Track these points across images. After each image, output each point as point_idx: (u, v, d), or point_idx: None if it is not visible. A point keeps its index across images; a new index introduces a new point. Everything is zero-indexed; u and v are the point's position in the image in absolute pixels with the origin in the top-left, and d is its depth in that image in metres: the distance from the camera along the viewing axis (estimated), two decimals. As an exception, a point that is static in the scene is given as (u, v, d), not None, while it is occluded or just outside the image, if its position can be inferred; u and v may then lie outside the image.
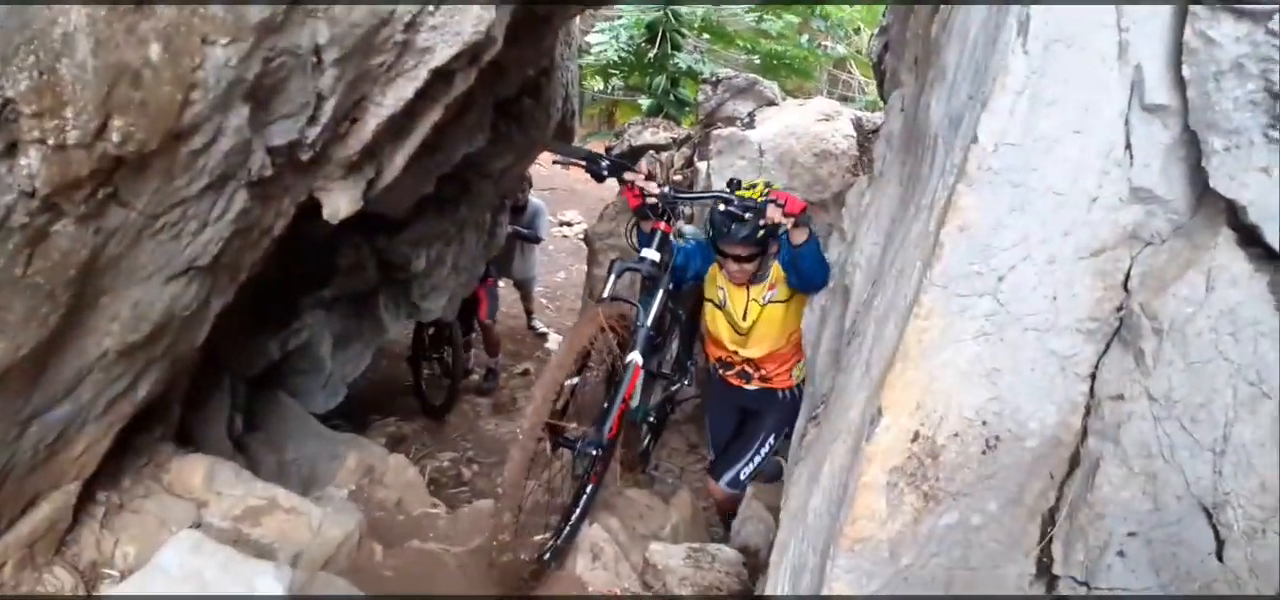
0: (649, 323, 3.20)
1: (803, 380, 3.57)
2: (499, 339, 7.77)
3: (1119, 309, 1.79)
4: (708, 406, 4.35)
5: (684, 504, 3.79)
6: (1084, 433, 1.81)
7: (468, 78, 2.76)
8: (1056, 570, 1.81)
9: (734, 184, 3.39)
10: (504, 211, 6.46)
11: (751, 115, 7.61)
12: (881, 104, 9.67)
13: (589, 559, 2.85)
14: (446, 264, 5.28)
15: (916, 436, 1.83)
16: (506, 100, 4.61)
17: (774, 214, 3.05)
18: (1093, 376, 1.81)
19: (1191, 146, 1.71)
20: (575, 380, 3.10)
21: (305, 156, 2.36)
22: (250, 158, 2.12)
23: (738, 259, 3.41)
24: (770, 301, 3.56)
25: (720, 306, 3.70)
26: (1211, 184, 1.64)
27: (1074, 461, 1.83)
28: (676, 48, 12.33)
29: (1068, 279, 1.81)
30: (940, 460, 1.84)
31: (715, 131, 7.27)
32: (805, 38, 14.31)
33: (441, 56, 2.38)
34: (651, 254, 3.28)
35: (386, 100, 2.44)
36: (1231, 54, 1.57)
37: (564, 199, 15.50)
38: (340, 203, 2.62)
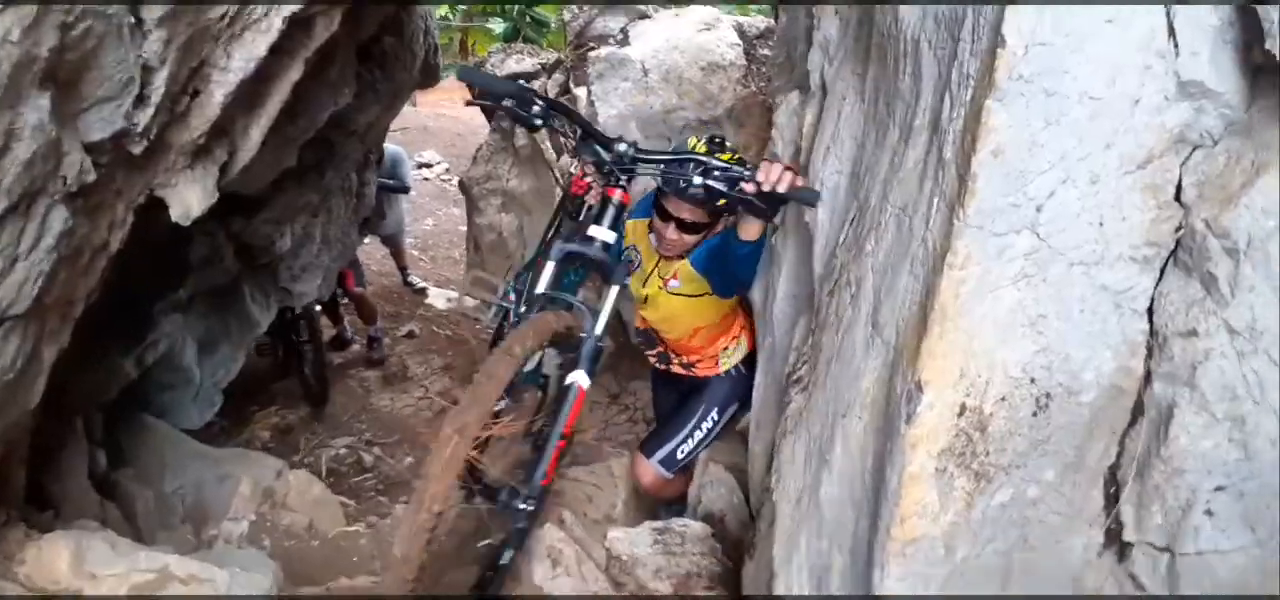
0: (598, 331, 2.48)
1: (744, 360, 3.20)
2: (373, 305, 7.15)
3: (1177, 229, 1.52)
4: (654, 383, 3.77)
5: (628, 470, 3.44)
6: (1147, 377, 1.55)
7: (330, 22, 2.24)
8: (1129, 536, 1.56)
9: (716, 142, 2.76)
10: (370, 168, 5.83)
11: (624, 31, 7.15)
12: (756, 9, 9.35)
13: (548, 566, 2.46)
14: (315, 239, 4.68)
15: (962, 410, 1.54)
16: (367, 43, 4.01)
17: (751, 189, 2.40)
18: (1150, 311, 1.55)
19: (1245, 27, 1.44)
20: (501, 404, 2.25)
21: (138, 148, 1.82)
22: (63, 162, 1.58)
23: (680, 224, 2.79)
24: (673, 292, 3.02)
25: (631, 267, 3.10)
26: (1280, 62, 1.36)
27: (1137, 411, 1.57)
28: (527, -39, 11.62)
29: (1115, 199, 1.53)
30: (989, 432, 1.56)
31: (591, 53, 6.80)
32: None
33: None
34: (604, 233, 2.53)
35: (233, 63, 1.92)
36: (1301, -91, 1.29)
37: (418, 139, 14.67)
38: (190, 199, 2.09)
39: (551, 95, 7.45)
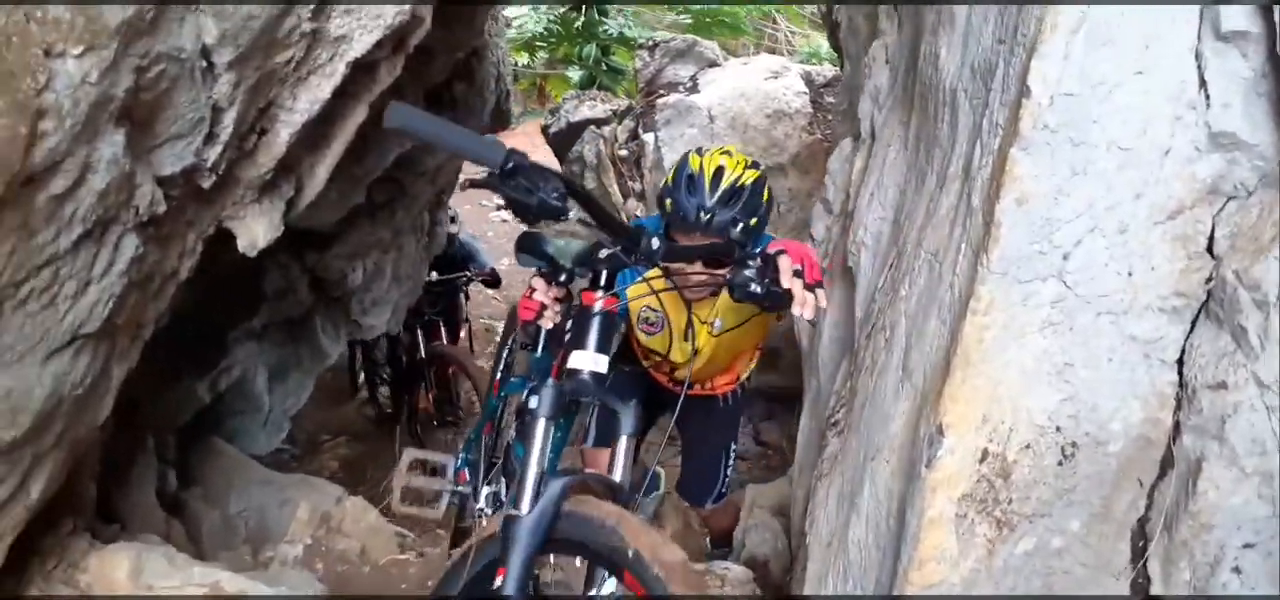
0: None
1: (749, 377, 2.98)
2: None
3: (1208, 280, 1.50)
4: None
5: (674, 514, 3.45)
6: (1177, 429, 1.53)
7: (394, 68, 2.36)
8: (1156, 590, 1.52)
9: (721, 173, 2.32)
10: (442, 208, 6.02)
11: (693, 79, 7.27)
12: (823, 57, 9.39)
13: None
14: (386, 275, 4.85)
15: (985, 455, 1.53)
16: (436, 87, 4.18)
17: (793, 283, 1.81)
18: (1180, 363, 1.53)
19: (1276, 79, 1.43)
20: None
21: (207, 182, 1.95)
22: (136, 194, 1.71)
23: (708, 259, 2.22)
24: (720, 333, 2.60)
25: (651, 329, 2.69)
26: (1318, 120, 1.35)
27: (1166, 464, 1.55)
28: (603, 14, 11.87)
29: (1143, 249, 1.52)
30: (1012, 479, 1.55)
31: (659, 100, 6.92)
32: (734, -8, 13.96)
33: (361, 45, 1.99)
34: (594, 361, 1.83)
35: (299, 104, 2.04)
36: (1334, -38, 1.28)
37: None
38: (257, 231, 2.22)
39: (620, 141, 7.59)
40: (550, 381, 1.76)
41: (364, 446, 6.12)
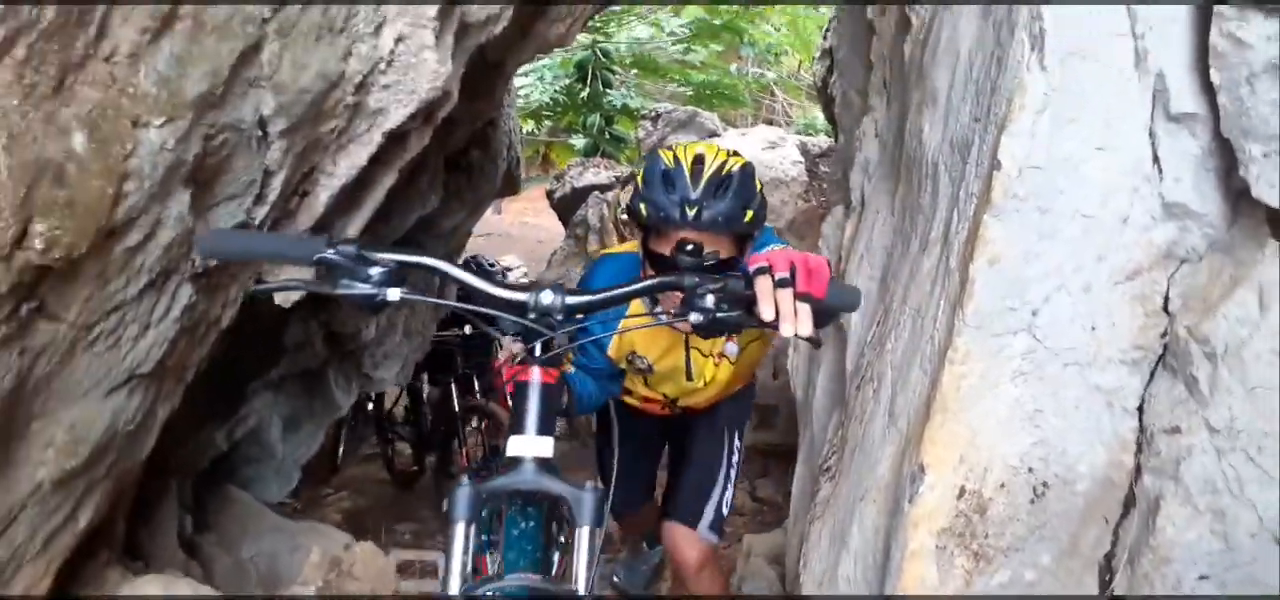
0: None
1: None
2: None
3: (1163, 335, 1.67)
4: (608, 436, 2.82)
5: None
6: (1137, 471, 1.69)
7: (423, 137, 2.56)
8: (1120, 621, 1.66)
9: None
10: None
11: (694, 148, 7.52)
12: (819, 128, 9.70)
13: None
14: (397, 330, 5.02)
15: (962, 492, 1.69)
16: (455, 154, 4.40)
17: (776, 297, 1.43)
18: (1140, 410, 1.69)
19: (1223, 156, 1.61)
20: None
21: (253, 239, 2.13)
22: (194, 247, 1.89)
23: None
24: (732, 357, 2.46)
25: (642, 372, 2.46)
26: (1254, 193, 1.53)
27: (1129, 503, 1.70)
28: (607, 85, 12.27)
29: (1106, 307, 1.69)
30: (988, 515, 1.70)
31: (661, 167, 7.17)
32: (733, 66, 14.40)
33: (396, 117, 2.18)
34: (537, 445, 1.54)
35: (339, 169, 2.23)
36: (1264, 55, 1.47)
37: (502, 245, 15.27)
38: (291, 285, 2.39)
39: (623, 206, 7.81)
40: (465, 480, 1.49)
41: (366, 500, 6.22)
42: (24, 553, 1.88)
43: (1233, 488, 1.55)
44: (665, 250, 2.08)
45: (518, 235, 16.55)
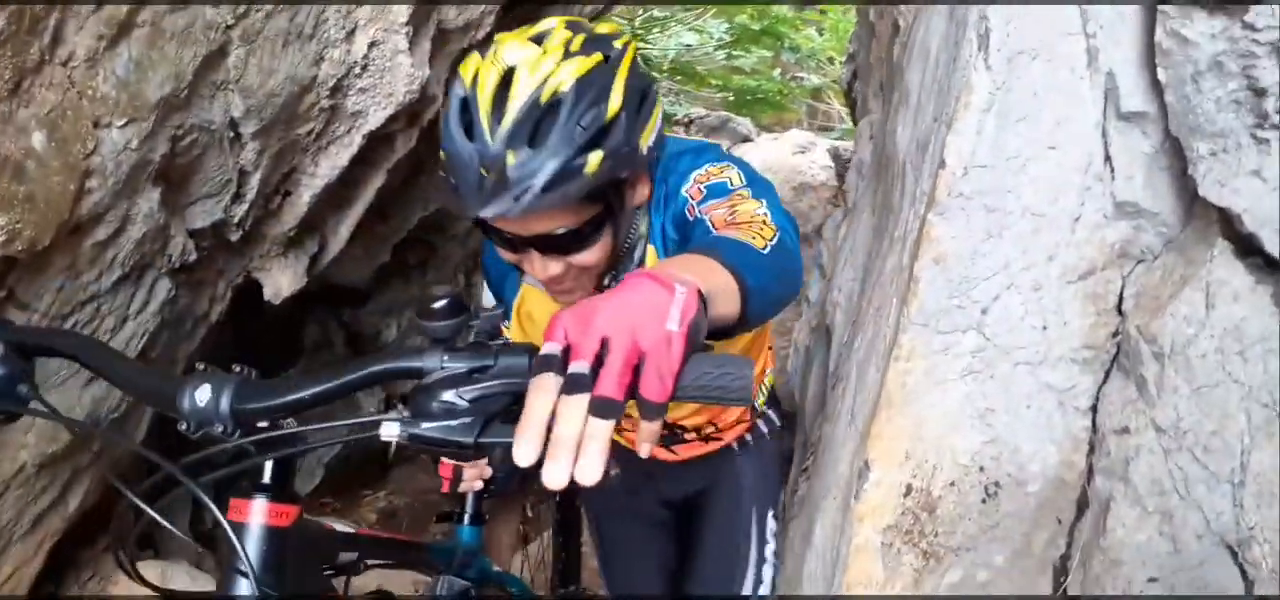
0: None
1: (772, 391, 2.18)
2: None
3: (1115, 334, 1.64)
4: (598, 521, 2.33)
5: None
6: (1090, 472, 1.66)
7: (409, 139, 2.61)
8: (1073, 623, 1.64)
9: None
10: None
11: (726, 153, 7.52)
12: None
13: None
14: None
15: (909, 489, 1.68)
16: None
17: (537, 426, 0.72)
18: (1093, 409, 1.67)
19: (1175, 155, 1.59)
20: None
21: (235, 236, 2.20)
22: (169, 243, 1.96)
23: (553, 250, 1.31)
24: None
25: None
26: (1200, 192, 1.50)
27: (1082, 504, 1.67)
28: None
29: (1057, 306, 1.67)
30: (938, 513, 1.68)
31: (690, 172, 7.17)
32: (778, 71, 14.29)
33: (375, 119, 2.23)
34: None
35: (320, 170, 2.29)
36: (1208, 52, 1.45)
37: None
38: (281, 282, 2.46)
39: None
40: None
41: (403, 500, 6.32)
42: (13, 530, 1.97)
43: (1180, 488, 1.52)
44: (517, 238, 1.30)
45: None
